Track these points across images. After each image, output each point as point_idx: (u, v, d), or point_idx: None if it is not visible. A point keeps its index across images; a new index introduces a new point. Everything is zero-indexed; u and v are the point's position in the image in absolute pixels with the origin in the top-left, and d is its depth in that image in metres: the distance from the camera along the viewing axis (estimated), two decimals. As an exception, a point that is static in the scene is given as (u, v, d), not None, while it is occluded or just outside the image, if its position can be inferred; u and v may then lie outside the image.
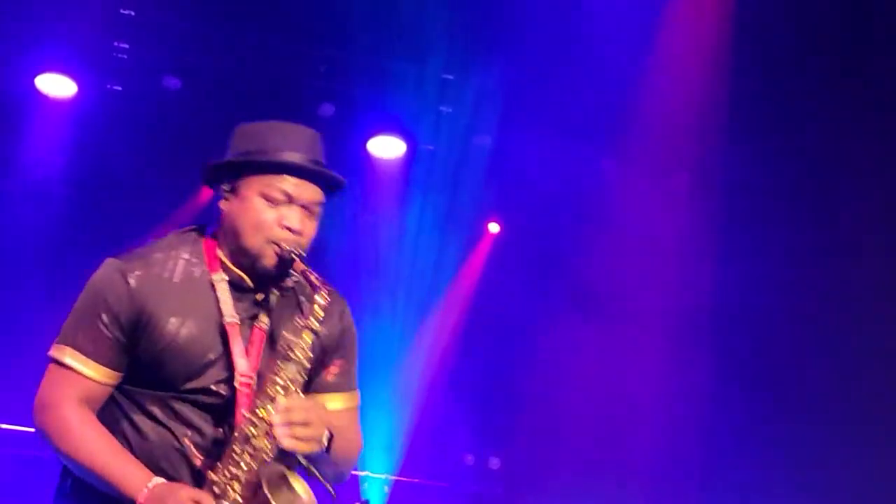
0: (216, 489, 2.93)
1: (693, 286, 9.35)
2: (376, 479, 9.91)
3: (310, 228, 3.14)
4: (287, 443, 2.90)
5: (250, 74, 8.82)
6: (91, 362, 3.03)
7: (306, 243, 3.13)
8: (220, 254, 3.14)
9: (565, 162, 9.14)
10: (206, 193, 9.72)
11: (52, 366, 3.07)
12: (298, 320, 3.06)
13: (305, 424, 2.93)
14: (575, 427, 9.77)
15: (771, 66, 8.37)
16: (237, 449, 2.95)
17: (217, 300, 3.07)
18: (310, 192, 3.13)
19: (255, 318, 3.13)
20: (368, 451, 9.87)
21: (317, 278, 3.06)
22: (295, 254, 3.05)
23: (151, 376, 3.05)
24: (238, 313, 3.08)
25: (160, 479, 2.94)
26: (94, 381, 3.03)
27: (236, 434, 2.98)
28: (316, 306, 3.04)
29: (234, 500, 2.92)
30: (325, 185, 3.20)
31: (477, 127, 9.21)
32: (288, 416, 2.91)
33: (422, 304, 10.10)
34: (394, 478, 9.93)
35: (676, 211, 9.25)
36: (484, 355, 10.14)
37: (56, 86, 8.73)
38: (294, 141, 3.19)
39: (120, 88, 8.89)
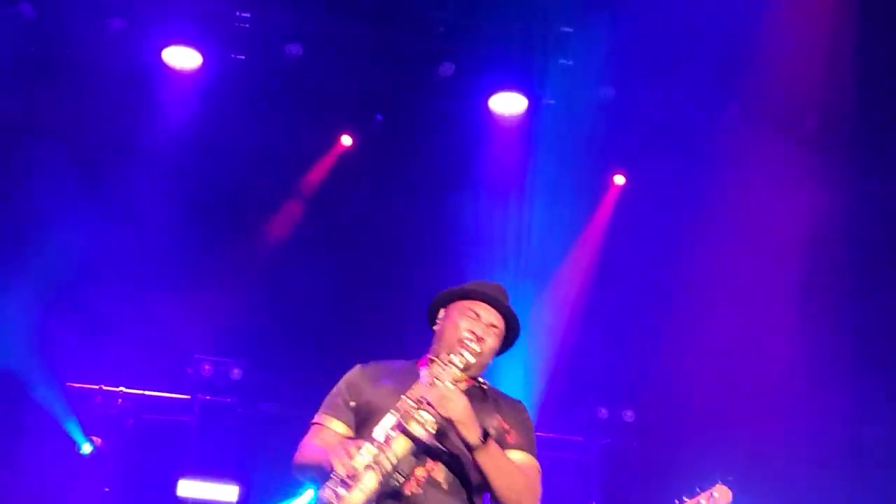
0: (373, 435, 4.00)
1: (825, 237, 9.21)
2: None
3: (489, 341, 4.31)
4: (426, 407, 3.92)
5: (370, 38, 8.89)
6: (334, 420, 4.28)
7: (486, 350, 4.28)
8: (429, 357, 4.30)
9: (690, 110, 9.03)
10: (331, 157, 9.88)
11: (312, 426, 4.35)
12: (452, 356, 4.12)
13: (444, 397, 3.93)
14: (708, 380, 9.70)
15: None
16: (390, 416, 4.01)
17: (419, 377, 4.18)
18: (492, 317, 4.34)
19: None
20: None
21: (475, 347, 4.16)
22: (471, 350, 4.14)
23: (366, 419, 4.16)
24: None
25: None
26: (338, 433, 4.24)
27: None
28: (467, 352, 4.12)
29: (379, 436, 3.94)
30: (506, 318, 4.38)
31: (598, 79, 9.13)
32: (429, 391, 3.97)
33: (550, 259, 10.10)
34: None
35: (805, 158, 9.09)
36: (614, 309, 10.11)
37: (182, 58, 8.91)
38: (488, 287, 4.41)
39: (243, 57, 9.03)
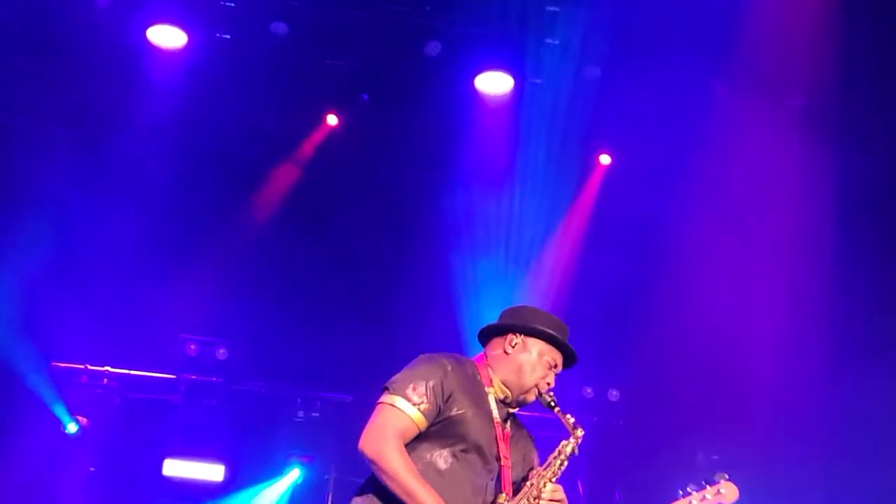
0: None
1: (813, 214, 9.23)
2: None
3: (552, 383, 4.50)
4: None
5: (356, 17, 8.85)
6: (415, 409, 4.17)
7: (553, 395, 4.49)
8: (491, 375, 4.44)
9: (675, 88, 9.02)
10: (317, 136, 9.85)
11: (383, 405, 4.18)
12: (565, 449, 4.45)
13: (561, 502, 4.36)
14: (694, 360, 9.73)
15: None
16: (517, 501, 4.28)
17: (489, 403, 4.37)
18: (561, 364, 4.54)
19: (506, 421, 4.45)
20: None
21: (572, 422, 4.47)
22: (553, 402, 4.46)
23: (451, 432, 4.24)
24: (500, 416, 4.39)
25: None
26: (414, 422, 4.16)
27: (521, 494, 4.33)
28: (570, 447, 4.44)
29: None
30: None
31: (584, 58, 9.11)
32: (555, 494, 4.34)
33: (536, 238, 10.10)
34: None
35: (792, 135, 9.09)
36: (599, 289, 10.12)
37: (167, 37, 8.86)
38: (565, 334, 4.55)
39: (229, 37, 8.99)
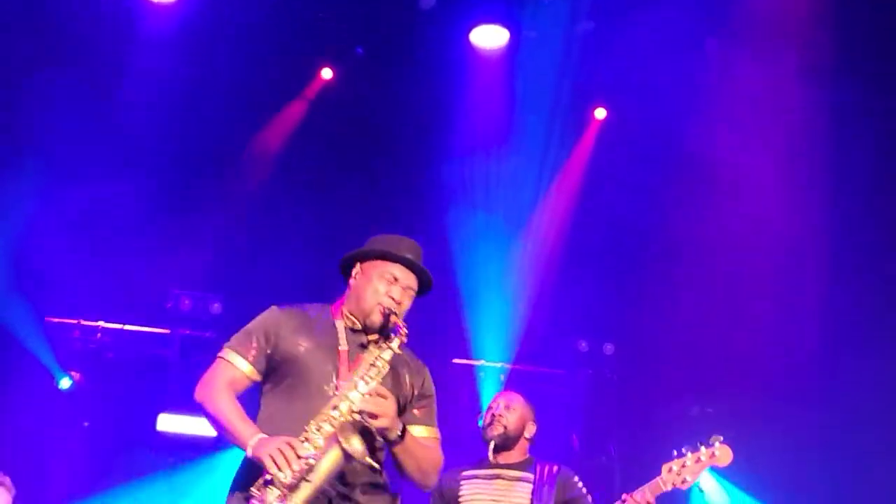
0: (304, 436, 4.08)
1: (808, 165, 9.20)
2: (492, 368, 10.02)
3: (406, 303, 4.46)
4: (366, 413, 4.10)
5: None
6: (243, 360, 4.40)
7: (402, 312, 4.42)
8: (343, 309, 4.51)
9: (670, 42, 8.96)
10: (312, 90, 9.80)
11: (217, 360, 4.45)
12: (382, 344, 4.32)
13: (379, 408, 4.13)
14: (689, 315, 9.74)
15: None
16: (325, 412, 4.13)
17: (335, 336, 4.43)
18: (410, 280, 4.49)
19: (361, 349, 4.41)
20: (484, 340, 9.96)
21: (405, 331, 4.31)
22: (394, 312, 4.37)
23: (287, 371, 4.36)
24: (348, 345, 4.42)
25: (264, 434, 4.13)
26: (244, 373, 4.39)
27: (329, 403, 4.17)
28: (396, 340, 4.30)
29: (316, 445, 4.05)
30: (420, 280, 4.53)
31: (579, 11, 9.06)
32: (368, 401, 4.15)
33: (531, 193, 10.08)
34: (509, 366, 10.02)
35: (786, 90, 9.05)
36: (595, 242, 10.11)
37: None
38: (406, 247, 4.51)
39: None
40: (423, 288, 4.57)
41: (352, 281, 4.55)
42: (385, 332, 4.39)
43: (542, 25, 9.21)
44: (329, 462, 4.02)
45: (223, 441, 10.05)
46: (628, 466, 9.48)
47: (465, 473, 6.10)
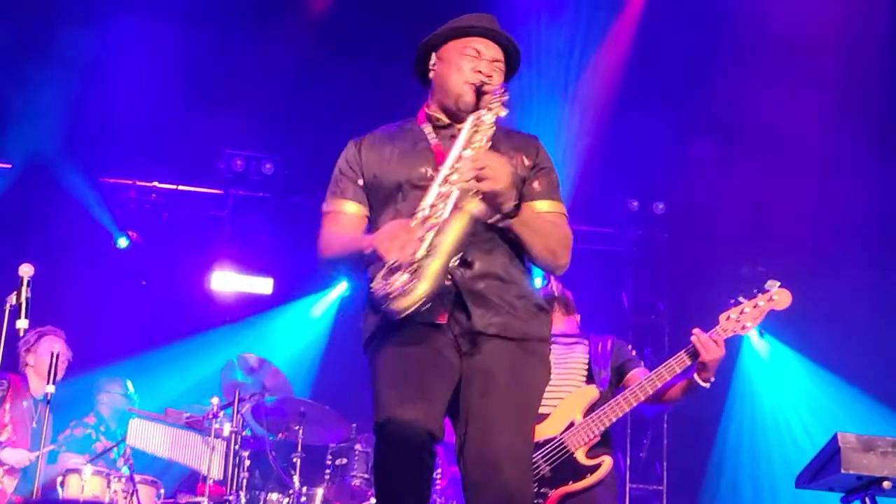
0: (417, 217, 3.68)
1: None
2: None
3: (496, 77, 4.00)
4: (473, 180, 3.64)
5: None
6: (342, 201, 4.04)
7: (495, 84, 3.94)
8: (428, 110, 4.11)
9: None
10: None
11: (323, 216, 4.09)
12: (483, 113, 3.85)
13: (489, 168, 3.66)
14: (740, 172, 9.67)
15: None
16: (434, 189, 3.73)
17: (426, 135, 4.04)
18: (493, 51, 4.04)
19: (451, 138, 3.93)
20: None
21: (502, 94, 3.85)
22: (486, 83, 3.93)
23: (384, 185, 3.98)
24: (440, 141, 4.00)
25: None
26: (348, 213, 4.02)
27: (438, 177, 3.77)
28: (497, 103, 3.84)
29: (432, 222, 3.65)
30: (505, 49, 4.08)
31: None
32: (475, 162, 3.69)
33: (582, 48, 9.95)
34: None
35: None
36: (644, 101, 9.97)
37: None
38: (477, 19, 4.10)
39: None
40: (511, 61, 4.11)
41: (431, 75, 4.11)
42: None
43: None
44: (452, 230, 3.64)
45: (278, 298, 10.21)
46: (678, 324, 9.53)
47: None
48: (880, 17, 9.22)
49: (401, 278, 3.57)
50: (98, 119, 9.45)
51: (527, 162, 4.01)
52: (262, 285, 10.16)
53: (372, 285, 3.71)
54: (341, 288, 10.26)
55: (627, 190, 10.31)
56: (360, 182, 4.03)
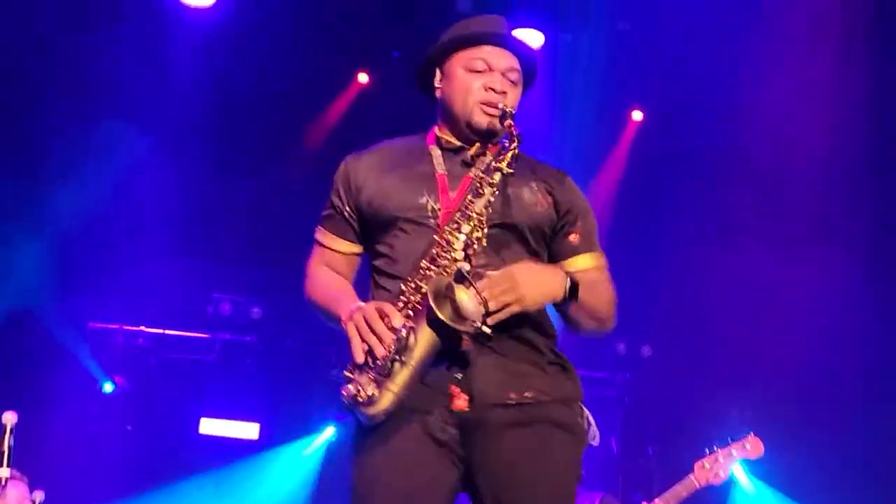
0: (401, 299, 3.24)
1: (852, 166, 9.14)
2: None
3: (512, 93, 3.52)
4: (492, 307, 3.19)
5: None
6: (329, 235, 3.66)
7: (511, 103, 3.49)
8: (438, 132, 3.63)
9: (707, 41, 8.91)
10: (349, 95, 9.80)
11: (313, 248, 3.72)
12: (491, 162, 3.39)
13: (503, 292, 3.21)
14: (729, 318, 9.70)
15: None
16: (424, 265, 3.27)
17: (432, 160, 3.53)
18: (505, 60, 3.51)
19: (465, 168, 3.52)
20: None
21: (517, 133, 3.38)
22: (503, 108, 3.43)
23: (380, 216, 3.50)
24: (447, 168, 3.51)
25: (363, 303, 3.31)
26: (333, 249, 3.65)
27: (428, 253, 3.30)
28: (510, 153, 3.36)
29: (415, 307, 3.18)
30: (518, 57, 3.57)
31: (615, 12, 9.04)
32: (487, 291, 3.19)
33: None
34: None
35: (827, 76, 8.94)
36: (631, 244, 10.05)
37: (195, -4, 8.82)
38: (483, 22, 3.62)
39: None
40: (528, 71, 3.61)
41: (437, 94, 3.64)
42: (493, 136, 3.51)
43: (577, 27, 9.19)
44: (427, 336, 3.13)
45: (264, 443, 10.14)
46: (667, 467, 9.45)
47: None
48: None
49: (366, 379, 3.12)
50: (85, 266, 9.47)
51: (558, 208, 3.52)
52: (249, 430, 10.09)
53: (344, 372, 3.23)
54: (328, 433, 10.18)
55: (614, 333, 10.28)
56: (348, 212, 3.61)
